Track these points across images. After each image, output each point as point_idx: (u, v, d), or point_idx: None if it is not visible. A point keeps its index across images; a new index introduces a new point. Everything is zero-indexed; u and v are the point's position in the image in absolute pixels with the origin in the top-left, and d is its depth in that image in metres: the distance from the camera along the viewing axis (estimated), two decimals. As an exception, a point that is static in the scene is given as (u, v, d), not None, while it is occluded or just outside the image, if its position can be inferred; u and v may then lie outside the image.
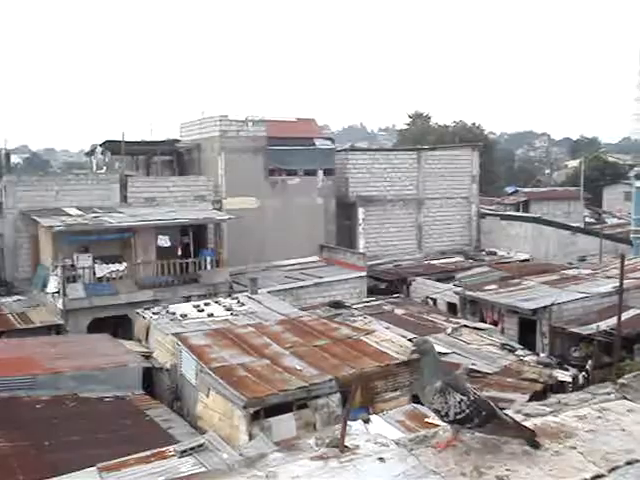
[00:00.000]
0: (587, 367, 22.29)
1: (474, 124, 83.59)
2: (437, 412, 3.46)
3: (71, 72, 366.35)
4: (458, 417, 3.37)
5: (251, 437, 15.48)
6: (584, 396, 4.37)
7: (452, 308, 29.85)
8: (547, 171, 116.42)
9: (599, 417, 4.02)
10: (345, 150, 42.46)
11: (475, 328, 25.57)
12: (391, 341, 20.19)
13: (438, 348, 20.95)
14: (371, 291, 32.23)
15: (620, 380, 4.68)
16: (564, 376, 21.19)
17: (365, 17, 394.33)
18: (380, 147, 76.61)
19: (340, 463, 3.21)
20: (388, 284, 33.85)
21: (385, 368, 18.09)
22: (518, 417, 3.83)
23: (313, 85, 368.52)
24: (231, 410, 16.46)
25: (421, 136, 72.18)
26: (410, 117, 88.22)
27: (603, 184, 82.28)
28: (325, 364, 18.26)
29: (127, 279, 27.06)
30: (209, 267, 29.05)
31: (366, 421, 13.90)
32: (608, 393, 4.41)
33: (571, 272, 33.05)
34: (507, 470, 3.27)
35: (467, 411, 3.39)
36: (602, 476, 3.30)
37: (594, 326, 24.11)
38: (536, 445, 3.46)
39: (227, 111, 34.81)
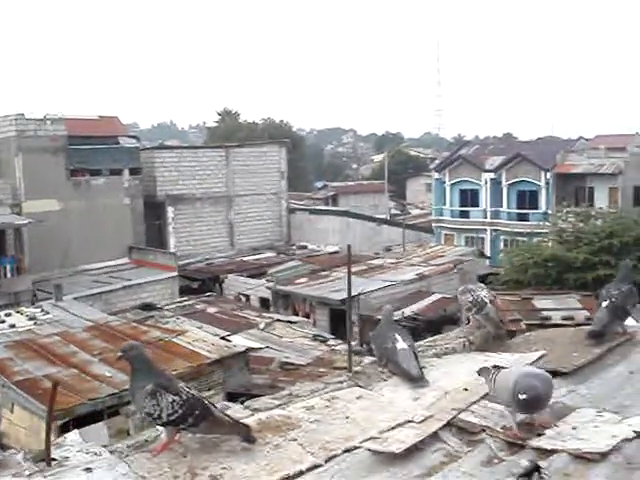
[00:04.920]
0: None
1: (282, 121, 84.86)
2: (149, 415, 3.39)
3: None
4: (171, 418, 3.34)
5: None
6: (316, 386, 4.52)
7: (265, 303, 30.12)
8: (354, 166, 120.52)
9: (327, 406, 4.16)
10: (152, 148, 41.59)
11: (288, 322, 25.94)
12: (203, 340, 20.02)
13: (251, 343, 21.19)
14: (183, 291, 31.80)
15: (355, 368, 4.90)
16: (369, 362, 22.02)
17: (174, 14, 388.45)
18: (190, 145, 75.77)
19: (44, 478, 3.07)
20: (201, 283, 33.58)
21: (197, 368, 17.91)
22: (245, 412, 3.89)
23: (121, 81, 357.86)
24: (38, 424, 15.64)
25: (231, 133, 72.14)
26: (219, 114, 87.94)
27: (406, 177, 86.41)
28: (136, 368, 17.74)
29: None
30: (9, 275, 27.48)
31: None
32: (341, 382, 4.59)
33: (377, 262, 34.35)
34: (223, 469, 3.27)
35: (180, 411, 3.34)
36: (319, 466, 3.39)
37: (399, 312, 25.23)
38: (251, 440, 3.49)
39: (24, 109, 32.98)
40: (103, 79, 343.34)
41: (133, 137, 37.96)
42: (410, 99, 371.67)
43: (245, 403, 4.22)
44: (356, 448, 3.80)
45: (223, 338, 21.33)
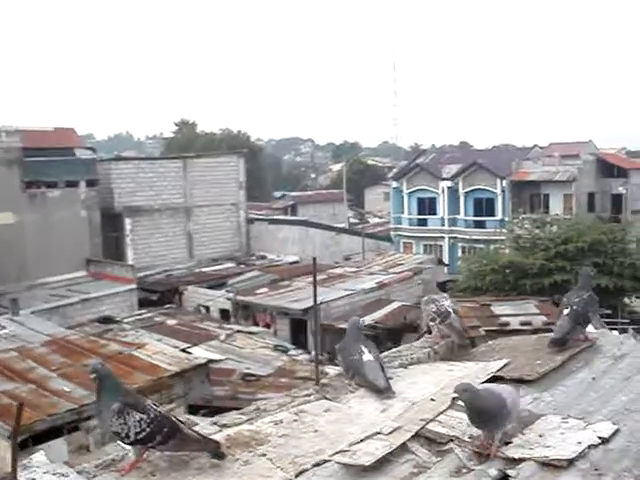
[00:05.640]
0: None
1: (240, 131, 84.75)
2: (117, 435, 3.33)
3: None
4: (139, 437, 3.28)
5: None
6: (284, 400, 4.49)
7: (225, 314, 29.92)
8: (313, 175, 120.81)
9: (295, 420, 4.15)
10: (108, 160, 41.14)
11: (248, 332, 25.80)
12: (163, 353, 19.81)
13: (212, 355, 21.02)
14: (142, 303, 31.43)
15: (322, 380, 4.88)
16: (334, 371, 22.03)
17: (130, 24, 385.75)
18: (147, 156, 75.19)
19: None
20: (160, 295, 33.23)
21: (158, 381, 17.72)
22: (214, 428, 3.85)
23: (76, 92, 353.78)
24: (-3, 443, 15.32)
25: (188, 144, 71.83)
26: (177, 125, 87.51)
27: (364, 186, 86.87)
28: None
29: None
30: (-38, 290, 26.88)
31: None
32: (308, 395, 4.57)
33: (337, 271, 34.41)
34: (193, 486, 3.21)
35: (148, 429, 3.29)
36: (289, 481, 3.37)
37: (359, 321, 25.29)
38: (220, 456, 3.45)
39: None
40: (58, 90, 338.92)
41: (89, 149, 37.46)
42: (367, 108, 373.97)
43: (213, 419, 4.17)
44: (326, 462, 3.78)
45: (183, 350, 21.10)
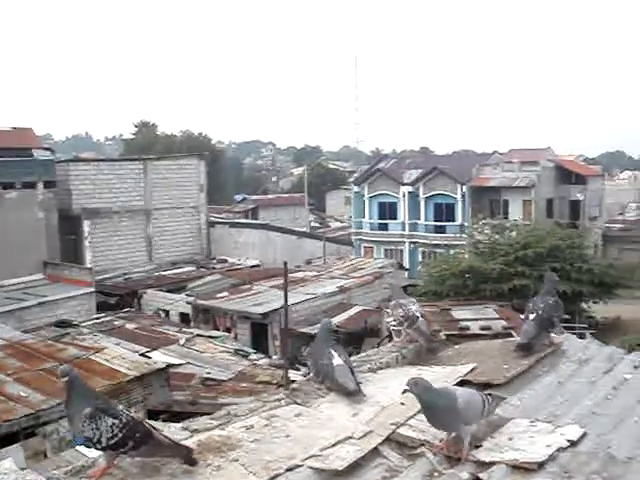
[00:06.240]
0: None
1: (201, 133, 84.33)
2: (89, 440, 3.26)
3: None
4: (111, 442, 3.22)
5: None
6: (255, 405, 4.46)
7: (185, 318, 29.73)
8: (274, 179, 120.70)
9: (266, 425, 4.12)
10: (67, 161, 40.57)
11: (208, 336, 25.66)
12: (122, 357, 19.59)
13: (171, 360, 20.84)
14: (101, 307, 31.04)
15: (292, 385, 4.87)
16: (296, 375, 22.01)
17: (90, 22, 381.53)
18: (106, 157, 74.35)
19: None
20: (119, 298, 32.88)
21: (117, 386, 17.50)
22: (185, 433, 3.80)
23: (34, 91, 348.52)
24: (-45, 450, 14.97)
25: (148, 146, 71.25)
26: (136, 126, 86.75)
27: (326, 190, 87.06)
28: (53, 388, 17.18)
29: None
30: None
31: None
32: (279, 399, 4.55)
33: (298, 275, 34.41)
34: (164, 492, 3.18)
35: (120, 435, 3.24)
36: (262, 486, 3.35)
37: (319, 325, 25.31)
38: (192, 462, 3.42)
39: None
40: (15, 89, 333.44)
41: (47, 149, 36.89)
42: (329, 113, 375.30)
43: (183, 424, 4.12)
44: (298, 466, 3.77)
45: (143, 355, 20.93)
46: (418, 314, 6.44)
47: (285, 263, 6.18)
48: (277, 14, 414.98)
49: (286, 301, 6.50)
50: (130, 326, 26.23)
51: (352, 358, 5.85)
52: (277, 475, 3.55)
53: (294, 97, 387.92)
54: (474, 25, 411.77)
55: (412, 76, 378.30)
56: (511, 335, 16.90)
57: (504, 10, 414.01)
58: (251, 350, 24.87)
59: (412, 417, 4.64)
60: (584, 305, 33.97)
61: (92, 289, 31.11)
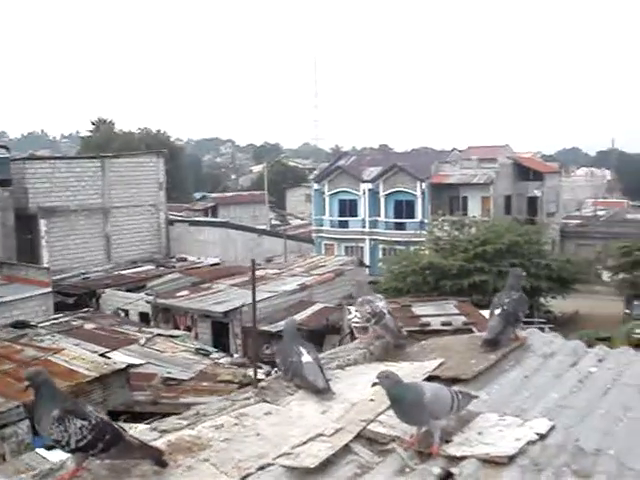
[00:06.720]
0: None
1: (159, 131, 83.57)
2: (58, 442, 3.20)
3: None
4: (80, 444, 3.16)
5: None
6: (224, 404, 4.43)
7: (145, 318, 29.44)
8: (233, 176, 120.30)
9: (236, 424, 4.09)
10: (23, 159, 39.87)
11: (169, 336, 25.43)
12: (81, 358, 19.36)
13: (132, 360, 20.62)
14: (59, 307, 30.55)
15: (261, 383, 4.85)
16: (259, 374, 21.94)
17: (44, 18, 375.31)
18: (63, 155, 73.25)
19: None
20: (77, 298, 32.40)
21: (76, 387, 17.26)
22: (154, 434, 3.75)
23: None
24: None
25: (106, 143, 70.33)
26: (93, 124, 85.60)
27: (286, 187, 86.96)
28: (10, 390, 16.91)
29: None
30: None
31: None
32: (248, 398, 4.52)
33: (259, 273, 34.26)
34: (135, 495, 3.14)
35: (89, 436, 3.18)
36: (234, 485, 3.32)
37: (282, 323, 25.26)
38: (163, 464, 3.39)
39: None
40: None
41: (2, 147, 36.26)
42: (288, 110, 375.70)
43: (152, 424, 4.05)
44: (270, 465, 3.74)
45: (102, 355, 20.70)
46: (385, 311, 6.44)
47: (253, 261, 6.16)
48: (237, 12, 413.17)
49: (254, 299, 6.45)
50: (89, 326, 25.88)
51: (320, 355, 5.83)
52: (249, 474, 3.51)
53: (253, 95, 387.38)
54: (431, 23, 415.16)
55: (371, 74, 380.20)
56: (471, 330, 17.11)
57: (460, 7, 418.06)
58: (212, 349, 24.73)
59: (382, 413, 4.63)
60: (542, 300, 34.50)
61: (49, 289, 30.62)
